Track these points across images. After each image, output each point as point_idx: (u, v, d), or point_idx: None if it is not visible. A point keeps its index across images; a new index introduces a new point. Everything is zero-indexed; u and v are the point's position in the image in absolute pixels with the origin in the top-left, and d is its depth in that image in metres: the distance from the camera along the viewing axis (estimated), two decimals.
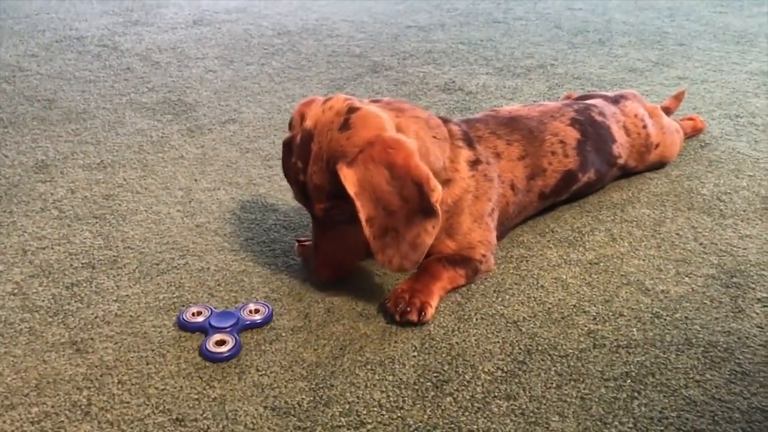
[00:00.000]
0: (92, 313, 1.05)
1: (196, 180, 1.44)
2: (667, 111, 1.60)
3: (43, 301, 1.08)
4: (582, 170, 1.30)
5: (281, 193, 1.39)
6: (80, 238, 1.24)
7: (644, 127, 1.41)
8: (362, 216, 0.97)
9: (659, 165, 1.50)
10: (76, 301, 1.08)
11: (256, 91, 1.92)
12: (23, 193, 1.38)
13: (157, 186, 1.41)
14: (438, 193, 0.98)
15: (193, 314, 1.03)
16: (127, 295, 1.09)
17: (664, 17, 2.64)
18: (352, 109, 1.00)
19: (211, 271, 1.15)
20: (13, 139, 1.61)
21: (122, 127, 1.68)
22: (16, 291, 1.10)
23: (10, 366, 0.95)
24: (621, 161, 1.38)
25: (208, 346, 0.96)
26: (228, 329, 0.99)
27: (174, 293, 1.10)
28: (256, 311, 1.03)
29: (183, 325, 1.02)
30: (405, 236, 0.98)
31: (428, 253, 1.04)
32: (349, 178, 0.97)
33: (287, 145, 1.08)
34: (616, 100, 1.44)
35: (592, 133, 1.32)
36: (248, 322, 1.01)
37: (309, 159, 1.01)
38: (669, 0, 2.79)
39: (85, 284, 1.12)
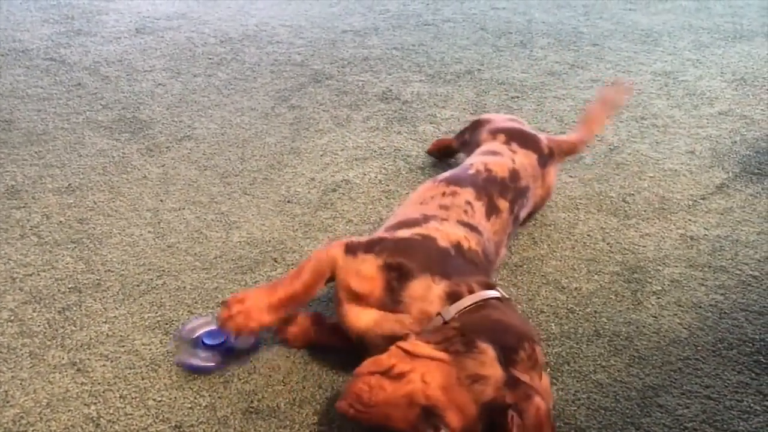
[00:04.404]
0: (86, 335, 1.19)
1: (161, 200, 1.57)
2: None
3: (39, 326, 1.21)
4: None
5: (241, 210, 1.54)
6: (63, 263, 1.37)
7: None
8: None
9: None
10: (69, 325, 1.22)
11: (206, 105, 2.04)
12: (0, 220, 1.49)
13: (126, 208, 1.54)
14: None
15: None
16: (115, 317, 1.24)
17: (580, 15, 2.86)
18: None
19: (187, 290, 1.30)
20: None
21: (83, 148, 1.79)
22: (12, 318, 1.23)
23: (19, 389, 1.09)
24: None
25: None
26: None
27: (157, 312, 1.25)
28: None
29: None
30: None
31: None
32: None
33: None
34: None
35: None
36: None
37: None
38: None
39: (75, 308, 1.26)
